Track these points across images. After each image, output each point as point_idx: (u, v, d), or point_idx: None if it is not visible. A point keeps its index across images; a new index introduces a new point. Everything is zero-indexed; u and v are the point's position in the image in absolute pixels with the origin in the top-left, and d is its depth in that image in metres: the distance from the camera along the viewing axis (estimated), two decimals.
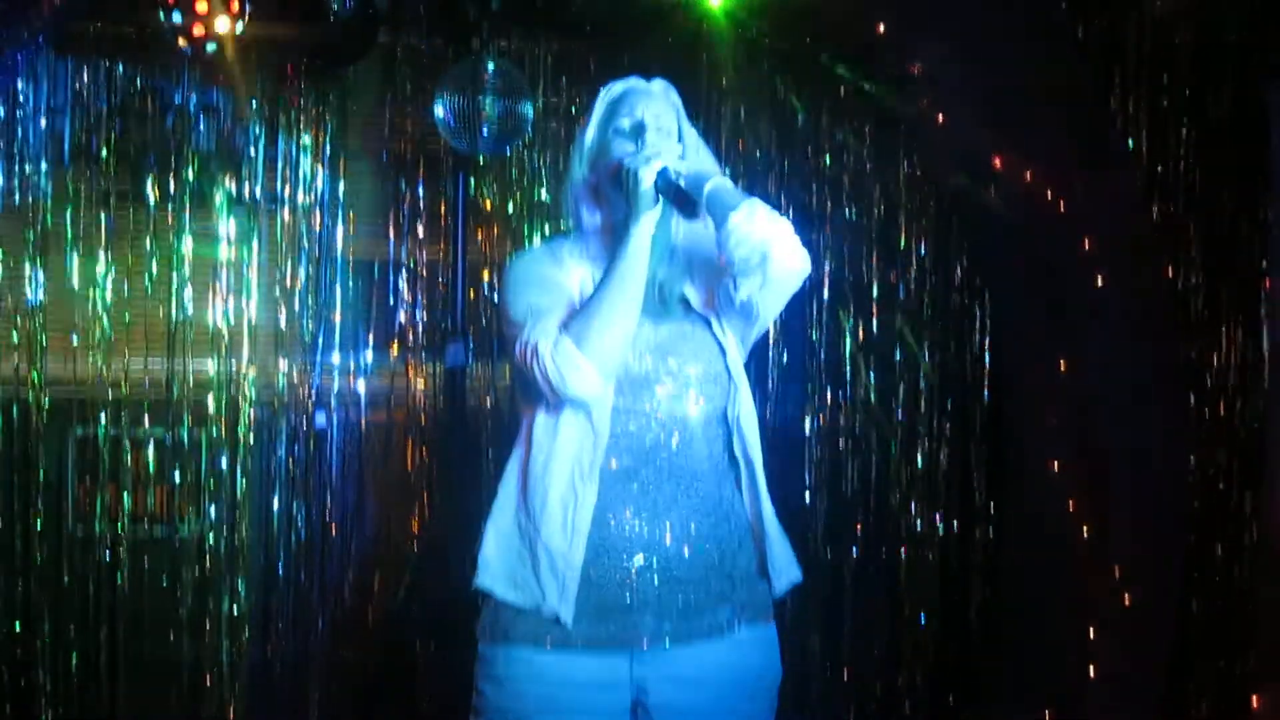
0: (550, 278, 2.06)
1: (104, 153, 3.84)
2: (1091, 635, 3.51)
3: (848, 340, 4.04)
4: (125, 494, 3.87)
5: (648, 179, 1.97)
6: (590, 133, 2.12)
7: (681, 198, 1.99)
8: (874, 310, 4.03)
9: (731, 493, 2.08)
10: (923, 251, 4.04)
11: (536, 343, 1.95)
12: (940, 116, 3.68)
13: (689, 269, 2.13)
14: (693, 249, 2.13)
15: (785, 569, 2.14)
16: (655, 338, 2.04)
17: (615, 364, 1.97)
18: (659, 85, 2.15)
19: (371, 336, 4.05)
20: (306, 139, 3.94)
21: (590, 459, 1.98)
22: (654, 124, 2.07)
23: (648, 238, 1.99)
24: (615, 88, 2.14)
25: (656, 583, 1.99)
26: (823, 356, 4.03)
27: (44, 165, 3.82)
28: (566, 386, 1.94)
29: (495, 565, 2.03)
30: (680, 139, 2.11)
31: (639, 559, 1.99)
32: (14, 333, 3.82)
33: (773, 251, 1.98)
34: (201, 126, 3.90)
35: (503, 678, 2.01)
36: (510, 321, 2.03)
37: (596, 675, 1.99)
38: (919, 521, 4.09)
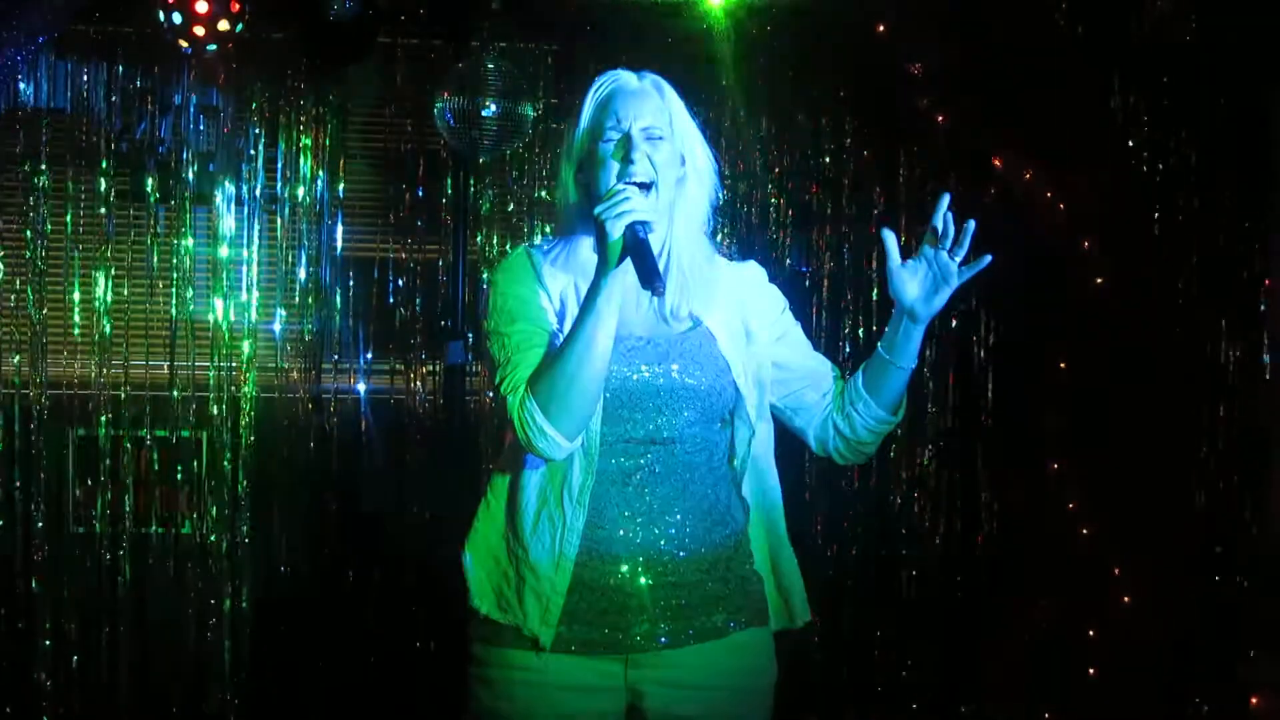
0: (526, 300, 1.97)
1: (104, 153, 3.85)
2: (1091, 635, 3.51)
3: (847, 340, 4.04)
4: (125, 494, 3.87)
5: (615, 231, 1.84)
6: (577, 138, 2.01)
7: (644, 262, 1.81)
8: (874, 310, 4.03)
9: (729, 495, 2.05)
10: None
11: (506, 397, 1.90)
12: (940, 116, 3.68)
13: (693, 286, 2.03)
14: (693, 268, 2.03)
15: (799, 610, 2.10)
16: (656, 350, 1.99)
17: (582, 425, 1.90)
18: (649, 82, 2.02)
19: (372, 336, 4.05)
20: (306, 139, 3.94)
21: (580, 482, 1.95)
22: (640, 136, 1.95)
23: (615, 297, 1.86)
24: (602, 86, 2.01)
25: (650, 586, 1.96)
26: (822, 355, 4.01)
27: (44, 165, 3.82)
28: (533, 448, 1.90)
29: (482, 584, 2.01)
30: (672, 142, 1.98)
31: (632, 562, 1.96)
32: (15, 332, 3.83)
33: None
34: (201, 126, 3.90)
35: (496, 680, 1.99)
36: (484, 346, 1.99)
37: (591, 679, 1.97)
38: (919, 521, 4.09)
